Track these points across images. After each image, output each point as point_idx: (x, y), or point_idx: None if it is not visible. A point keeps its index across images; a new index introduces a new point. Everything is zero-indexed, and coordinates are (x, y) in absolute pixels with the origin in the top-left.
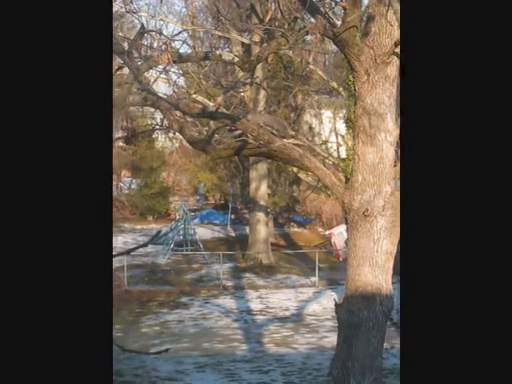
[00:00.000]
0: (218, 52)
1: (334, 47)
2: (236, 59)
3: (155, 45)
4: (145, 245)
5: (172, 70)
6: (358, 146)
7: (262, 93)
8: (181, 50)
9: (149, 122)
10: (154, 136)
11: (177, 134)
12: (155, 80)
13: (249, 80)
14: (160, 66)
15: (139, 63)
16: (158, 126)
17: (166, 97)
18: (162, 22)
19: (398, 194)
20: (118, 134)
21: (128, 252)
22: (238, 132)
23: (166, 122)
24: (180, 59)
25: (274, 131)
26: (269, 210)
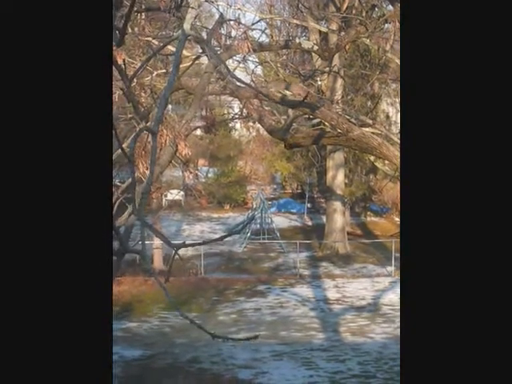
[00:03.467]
0: (297, 40)
1: None
2: (315, 48)
3: (233, 34)
4: (236, 232)
5: (250, 59)
6: None
7: (340, 81)
8: (259, 39)
9: (226, 112)
10: (231, 125)
11: (255, 122)
12: (235, 69)
13: (327, 68)
14: (238, 55)
15: (218, 52)
16: (237, 115)
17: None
18: (239, 11)
19: None
20: (197, 123)
21: (216, 240)
22: (316, 121)
23: (245, 111)
24: (260, 48)
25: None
26: (345, 199)
